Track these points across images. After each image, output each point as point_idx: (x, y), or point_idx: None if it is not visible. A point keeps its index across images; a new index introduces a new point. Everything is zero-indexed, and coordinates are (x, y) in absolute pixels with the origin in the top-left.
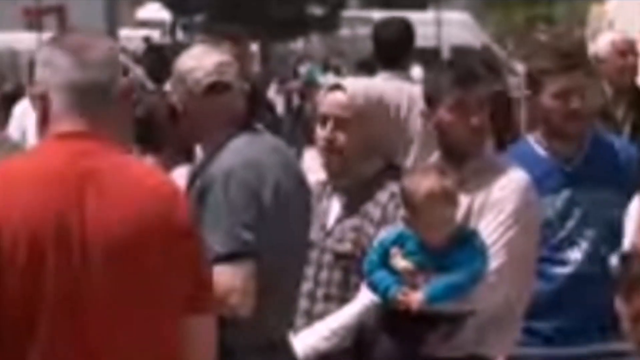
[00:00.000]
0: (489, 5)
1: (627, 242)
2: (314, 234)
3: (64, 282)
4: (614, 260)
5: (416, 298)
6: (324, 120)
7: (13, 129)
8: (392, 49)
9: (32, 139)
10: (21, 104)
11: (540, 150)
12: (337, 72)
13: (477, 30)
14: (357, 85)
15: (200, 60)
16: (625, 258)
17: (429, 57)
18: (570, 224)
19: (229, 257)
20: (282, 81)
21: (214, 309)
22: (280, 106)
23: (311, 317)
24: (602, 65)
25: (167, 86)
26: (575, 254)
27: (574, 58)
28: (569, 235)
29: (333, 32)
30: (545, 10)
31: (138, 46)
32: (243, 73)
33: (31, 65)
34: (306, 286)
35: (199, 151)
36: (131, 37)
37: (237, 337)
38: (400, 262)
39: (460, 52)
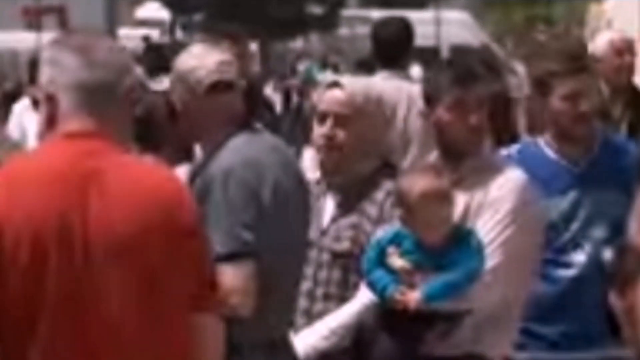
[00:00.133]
0: (488, 4)
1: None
2: (312, 233)
3: (66, 281)
4: (607, 254)
5: (413, 297)
6: (323, 117)
7: (13, 127)
8: (392, 48)
9: (32, 137)
10: (21, 103)
11: (550, 152)
12: (336, 69)
13: (476, 30)
14: (356, 83)
15: (202, 59)
16: (620, 252)
17: (428, 56)
18: (575, 225)
19: (229, 257)
20: (281, 78)
21: (219, 307)
22: (278, 104)
23: (311, 317)
24: (599, 64)
25: (164, 84)
26: (579, 257)
27: (582, 60)
28: (574, 238)
29: (332, 31)
30: (544, 10)
31: (137, 45)
32: (243, 72)
33: (31, 64)
34: (305, 285)
35: (198, 150)
36: (130, 36)
37: (237, 336)
38: (397, 261)
39: (460, 51)
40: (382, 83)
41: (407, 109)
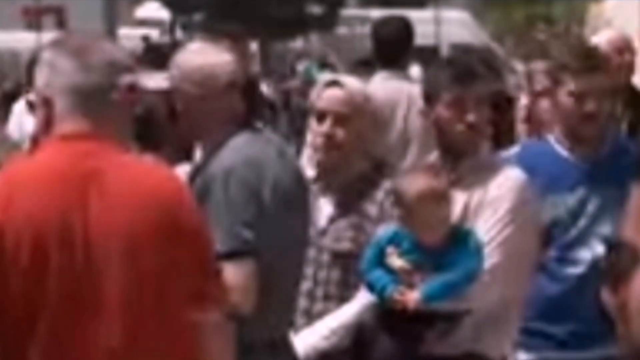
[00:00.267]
0: (488, 4)
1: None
2: (311, 233)
3: (66, 282)
4: (599, 249)
5: (412, 297)
6: (322, 116)
7: (13, 127)
8: (391, 48)
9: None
10: (20, 103)
11: (559, 149)
12: (333, 70)
13: (476, 29)
14: (354, 83)
15: (215, 57)
16: (613, 249)
17: (428, 55)
18: (582, 222)
19: (229, 256)
20: (280, 79)
21: (223, 305)
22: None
23: (311, 317)
24: None
25: (158, 82)
26: (586, 254)
27: (594, 60)
28: (580, 235)
29: (332, 31)
30: (544, 10)
31: (137, 45)
32: (243, 72)
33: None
34: (305, 285)
35: (198, 150)
36: (130, 36)
37: (237, 335)
38: (396, 261)
39: (460, 50)
40: (382, 83)
41: (407, 109)
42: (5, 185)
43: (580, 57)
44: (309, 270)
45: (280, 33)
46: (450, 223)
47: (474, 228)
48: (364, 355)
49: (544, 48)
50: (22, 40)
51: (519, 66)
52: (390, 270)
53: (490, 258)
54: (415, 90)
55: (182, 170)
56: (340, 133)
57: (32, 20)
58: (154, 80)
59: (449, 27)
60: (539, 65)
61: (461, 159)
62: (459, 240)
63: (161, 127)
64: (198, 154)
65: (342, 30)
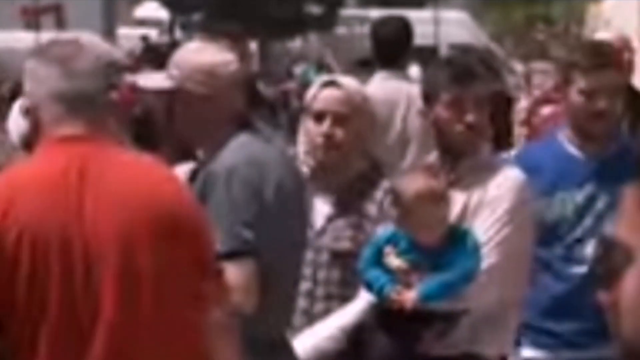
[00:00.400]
0: (487, 4)
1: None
2: (309, 234)
3: (67, 284)
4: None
5: (410, 297)
6: (321, 116)
7: (12, 126)
8: (391, 48)
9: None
10: (20, 102)
11: (568, 146)
12: (329, 71)
13: (475, 29)
14: (352, 83)
15: (218, 56)
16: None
17: (427, 55)
18: (589, 221)
19: (229, 256)
20: (277, 81)
21: (226, 303)
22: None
23: (311, 317)
24: None
25: (155, 81)
26: (592, 252)
27: (605, 57)
28: (586, 233)
29: (331, 31)
30: (543, 10)
31: (136, 45)
32: (245, 71)
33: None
34: (304, 286)
35: (198, 150)
36: (129, 35)
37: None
38: (394, 261)
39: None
40: (381, 83)
41: (406, 109)
42: (6, 188)
43: (590, 55)
44: (307, 271)
45: (279, 33)
46: (447, 223)
47: (472, 228)
48: (361, 354)
49: (543, 48)
50: (20, 40)
51: (518, 66)
52: (388, 270)
53: (488, 258)
54: (414, 90)
55: (182, 170)
56: (339, 133)
57: (31, 20)
58: (153, 80)
59: (448, 28)
60: (538, 66)
61: (460, 159)
62: (457, 240)
63: (159, 128)
64: (198, 154)
65: (341, 30)
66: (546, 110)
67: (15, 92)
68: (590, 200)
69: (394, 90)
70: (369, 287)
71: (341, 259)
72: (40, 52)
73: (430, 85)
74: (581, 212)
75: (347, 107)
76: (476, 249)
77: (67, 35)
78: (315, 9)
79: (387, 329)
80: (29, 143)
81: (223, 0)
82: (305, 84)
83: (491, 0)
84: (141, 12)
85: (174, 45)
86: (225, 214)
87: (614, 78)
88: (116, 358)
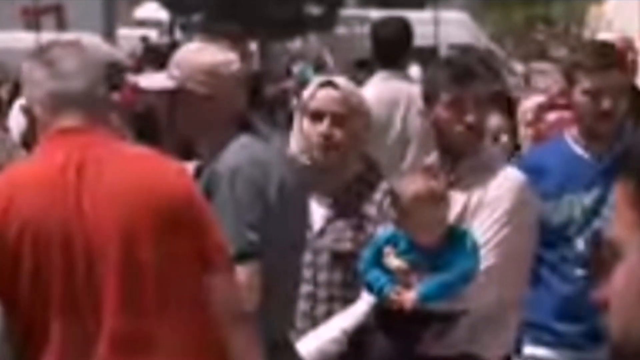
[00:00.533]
0: (487, 4)
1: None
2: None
3: (70, 283)
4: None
5: (409, 297)
6: (319, 116)
7: (12, 125)
8: (391, 48)
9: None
10: (20, 102)
11: (575, 148)
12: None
13: (475, 30)
14: (348, 84)
15: (219, 56)
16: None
17: (427, 56)
18: (597, 223)
19: (234, 258)
20: (276, 80)
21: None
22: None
23: (313, 319)
24: None
25: (155, 81)
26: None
27: (608, 57)
28: (594, 236)
29: (331, 31)
30: (543, 10)
31: (136, 46)
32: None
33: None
34: (305, 288)
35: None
36: (129, 36)
37: None
38: (394, 262)
39: (459, 50)
40: (381, 83)
41: (406, 109)
42: (6, 186)
43: (594, 55)
44: (307, 273)
45: (279, 33)
46: (446, 224)
47: (472, 228)
48: (361, 354)
49: (543, 49)
50: (20, 40)
51: (518, 67)
52: (387, 271)
53: (487, 259)
54: (414, 90)
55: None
56: (337, 133)
57: (31, 20)
58: (154, 81)
59: (447, 28)
60: (538, 67)
61: (460, 160)
62: (456, 240)
63: (160, 128)
64: (200, 152)
65: (341, 30)
66: (552, 116)
67: (16, 92)
68: (598, 202)
69: (394, 91)
70: (369, 287)
71: (342, 260)
72: (34, 54)
73: (430, 86)
74: (590, 214)
75: (345, 108)
76: (475, 249)
77: (68, 36)
78: (315, 10)
79: (386, 329)
80: (28, 142)
81: (223, 1)
82: (303, 83)
83: (491, 1)
84: (141, 13)
85: (174, 46)
86: (229, 214)
87: (618, 78)
88: (119, 352)
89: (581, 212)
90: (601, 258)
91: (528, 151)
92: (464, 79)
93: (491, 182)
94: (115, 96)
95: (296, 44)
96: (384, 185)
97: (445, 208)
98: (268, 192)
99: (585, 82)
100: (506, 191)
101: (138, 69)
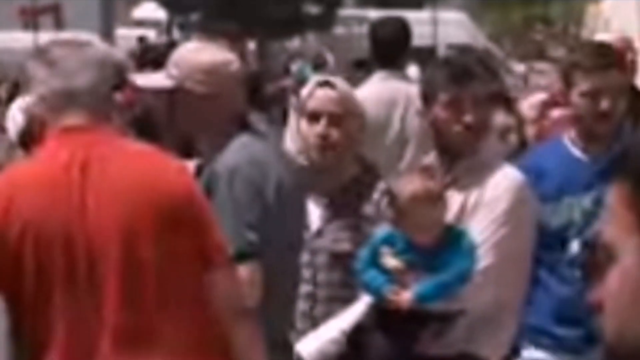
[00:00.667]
0: (486, 4)
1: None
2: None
3: (71, 281)
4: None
5: (406, 297)
6: (316, 116)
7: (10, 125)
8: (389, 48)
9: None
10: (18, 102)
11: (573, 149)
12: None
13: (474, 30)
14: (344, 84)
15: (218, 55)
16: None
17: (425, 56)
18: (597, 225)
19: (233, 258)
20: (274, 79)
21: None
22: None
23: (313, 320)
24: None
25: (153, 80)
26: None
27: (606, 58)
28: (593, 237)
29: (329, 31)
30: (542, 10)
31: (134, 45)
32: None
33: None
34: (305, 288)
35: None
36: (127, 36)
37: None
38: (391, 261)
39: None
40: (380, 83)
41: (405, 109)
42: (7, 186)
43: (592, 55)
44: (306, 273)
45: (277, 33)
46: (443, 224)
47: (469, 228)
48: (358, 354)
49: (542, 49)
50: (18, 40)
51: (517, 67)
52: (384, 270)
53: (484, 259)
54: (413, 90)
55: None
56: (334, 133)
57: (29, 20)
58: (152, 80)
59: (446, 28)
60: (537, 66)
61: (458, 160)
62: (453, 240)
63: (159, 127)
64: (200, 150)
65: (339, 30)
66: (556, 112)
67: (14, 92)
68: (598, 204)
69: (392, 91)
70: (367, 287)
71: (341, 260)
72: (36, 54)
73: (429, 86)
74: (589, 216)
75: (342, 108)
76: (472, 249)
77: (67, 36)
78: (313, 9)
79: (384, 329)
80: (26, 141)
81: (221, 1)
82: (301, 81)
83: (489, 1)
84: (139, 12)
85: (172, 45)
86: (228, 214)
87: (617, 78)
88: (121, 348)
89: (581, 215)
90: (596, 260)
91: (527, 152)
92: (462, 79)
93: (489, 182)
94: (118, 96)
95: (294, 43)
96: (381, 185)
97: (443, 208)
98: (266, 192)
99: (583, 83)
100: (504, 191)
101: (137, 69)
